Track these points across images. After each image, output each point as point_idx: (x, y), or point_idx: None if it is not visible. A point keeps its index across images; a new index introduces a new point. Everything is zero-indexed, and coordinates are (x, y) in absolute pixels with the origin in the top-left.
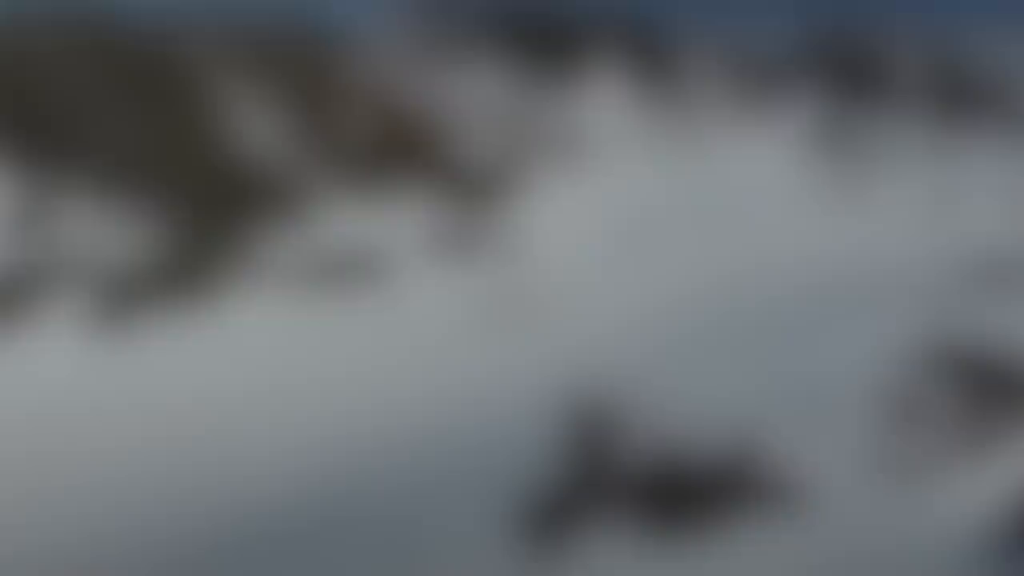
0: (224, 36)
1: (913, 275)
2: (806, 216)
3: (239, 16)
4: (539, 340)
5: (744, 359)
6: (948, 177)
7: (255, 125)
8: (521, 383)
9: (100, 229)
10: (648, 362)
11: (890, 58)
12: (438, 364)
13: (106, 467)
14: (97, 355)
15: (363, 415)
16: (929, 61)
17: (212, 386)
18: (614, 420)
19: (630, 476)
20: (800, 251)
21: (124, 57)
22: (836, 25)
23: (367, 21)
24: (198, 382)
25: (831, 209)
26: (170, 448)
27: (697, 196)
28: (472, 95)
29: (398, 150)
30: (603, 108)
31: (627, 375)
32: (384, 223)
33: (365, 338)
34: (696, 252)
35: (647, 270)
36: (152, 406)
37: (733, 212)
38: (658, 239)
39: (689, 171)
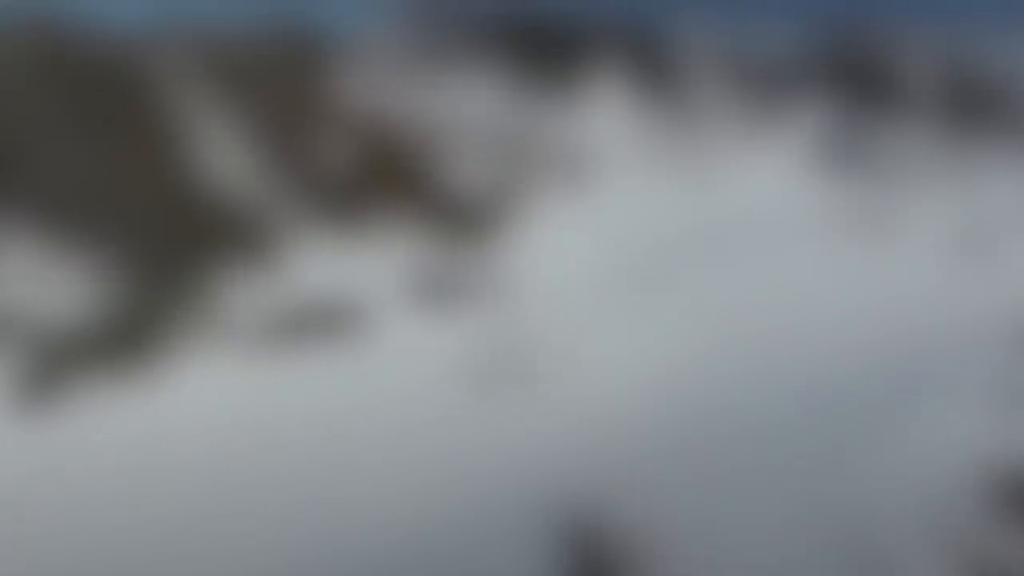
0: (192, 47)
1: (949, 345)
2: (821, 260)
3: (211, 24)
4: (532, 412)
5: (758, 478)
6: (971, 204)
7: (222, 151)
8: (507, 467)
9: (37, 277)
10: (646, 453)
11: (902, 65)
12: (418, 435)
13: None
14: (18, 430)
15: (329, 500)
16: (942, 67)
17: (154, 464)
18: (613, 540)
19: None
20: (818, 307)
21: (73, 71)
22: (845, 29)
23: (359, 27)
24: (138, 459)
25: (848, 247)
26: (86, 540)
27: (704, 231)
28: (466, 109)
29: (381, 177)
30: (605, 122)
31: (627, 472)
32: (362, 265)
33: (337, 404)
34: (704, 302)
35: (650, 326)
36: (75, 491)
37: (742, 249)
38: (662, 284)
39: (695, 201)
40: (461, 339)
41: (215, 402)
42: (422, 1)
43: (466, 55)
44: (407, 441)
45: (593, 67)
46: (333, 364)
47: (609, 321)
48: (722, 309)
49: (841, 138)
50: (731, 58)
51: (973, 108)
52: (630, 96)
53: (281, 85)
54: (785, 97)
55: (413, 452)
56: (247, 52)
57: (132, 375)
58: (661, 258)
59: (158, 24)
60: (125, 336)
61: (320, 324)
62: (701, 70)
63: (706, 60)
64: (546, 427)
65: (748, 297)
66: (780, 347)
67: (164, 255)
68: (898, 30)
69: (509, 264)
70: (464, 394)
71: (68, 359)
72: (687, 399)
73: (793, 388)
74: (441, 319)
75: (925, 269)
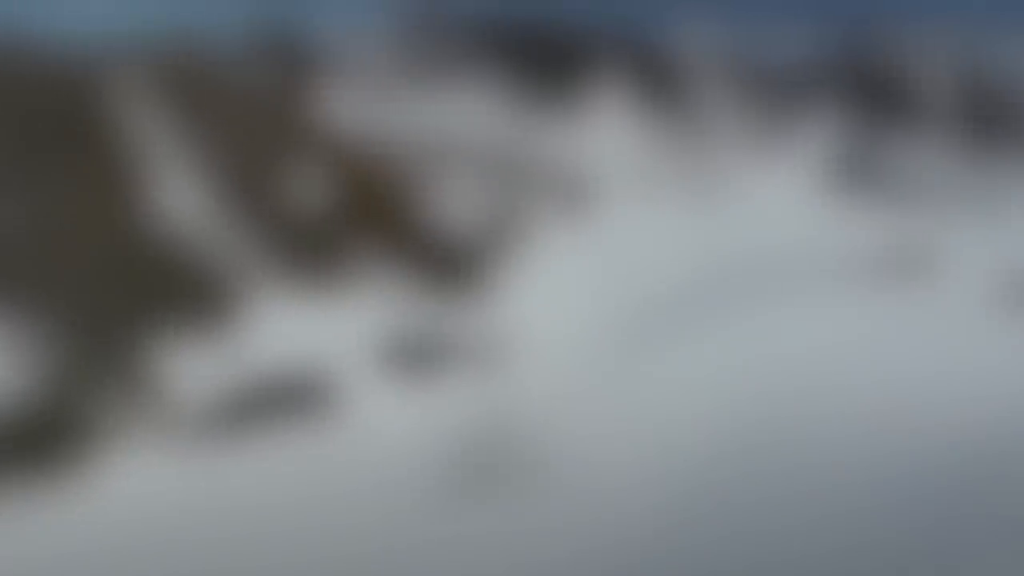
0: (153, 63)
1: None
2: (848, 310)
3: (180, 34)
4: (526, 510)
5: None
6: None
7: (177, 191)
8: None
9: None
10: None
11: (918, 72)
12: (392, 538)
13: None
14: None
15: None
16: (959, 74)
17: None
18: None
19: None
20: (848, 372)
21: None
22: (857, 34)
23: (345, 35)
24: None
25: (877, 294)
26: None
27: (716, 276)
28: (459, 129)
29: (362, 215)
30: (608, 143)
31: None
32: (334, 327)
33: (301, 499)
34: (719, 366)
35: (661, 397)
36: None
37: (760, 298)
38: (672, 342)
39: (706, 240)
40: (445, 417)
41: (155, 503)
42: (413, 8)
43: (460, 66)
44: (380, 545)
45: (595, 78)
46: (296, 452)
47: (614, 392)
48: (738, 375)
49: (857, 157)
50: (739, 67)
51: (993, 120)
52: (634, 112)
53: (252, 107)
54: (797, 109)
55: (387, 559)
56: (214, 68)
57: (57, 474)
58: (670, 310)
59: (113, 37)
60: (50, 426)
61: (282, 402)
62: (708, 80)
63: (713, 70)
64: (543, 529)
65: (767, 361)
66: (810, 423)
67: (101, 322)
68: (912, 34)
69: (501, 321)
70: (447, 487)
71: None
72: (703, 493)
73: (824, 485)
74: (423, 392)
75: (963, 323)
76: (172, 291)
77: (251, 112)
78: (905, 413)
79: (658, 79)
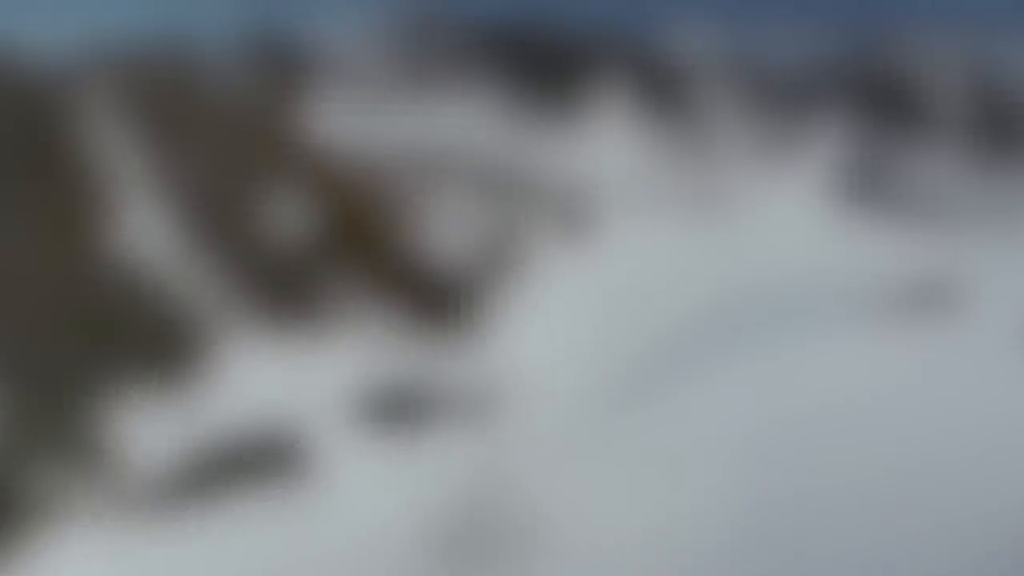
0: (121, 81)
1: None
2: (868, 350)
3: (164, 44)
4: None
5: None
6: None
7: (142, 225)
8: None
9: None
10: None
11: (927, 78)
12: None
13: None
14: None
15: None
16: (968, 80)
17: None
18: None
19: None
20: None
21: None
22: (864, 39)
23: (340, 43)
24: None
25: (898, 329)
26: None
27: (725, 310)
28: (454, 145)
29: (343, 245)
30: (609, 157)
31: None
32: (311, 377)
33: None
34: (730, 415)
35: (661, 454)
36: None
37: (771, 336)
38: (680, 387)
39: (713, 268)
40: (431, 482)
41: None
42: (409, 14)
43: (456, 74)
44: None
45: (596, 85)
46: (266, 525)
47: (614, 452)
48: (749, 433)
49: (868, 169)
50: (745, 74)
51: (1007, 126)
52: (637, 121)
53: (233, 124)
54: (804, 117)
55: None
56: (195, 79)
57: None
58: (674, 355)
59: (89, 46)
60: None
61: (251, 467)
62: (713, 87)
63: (718, 76)
64: None
65: (780, 417)
66: (822, 497)
67: (49, 377)
68: (922, 38)
69: (494, 367)
70: (432, 562)
71: None
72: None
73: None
74: (406, 453)
75: (995, 364)
76: (131, 340)
77: (231, 129)
78: (938, 484)
79: (661, 86)
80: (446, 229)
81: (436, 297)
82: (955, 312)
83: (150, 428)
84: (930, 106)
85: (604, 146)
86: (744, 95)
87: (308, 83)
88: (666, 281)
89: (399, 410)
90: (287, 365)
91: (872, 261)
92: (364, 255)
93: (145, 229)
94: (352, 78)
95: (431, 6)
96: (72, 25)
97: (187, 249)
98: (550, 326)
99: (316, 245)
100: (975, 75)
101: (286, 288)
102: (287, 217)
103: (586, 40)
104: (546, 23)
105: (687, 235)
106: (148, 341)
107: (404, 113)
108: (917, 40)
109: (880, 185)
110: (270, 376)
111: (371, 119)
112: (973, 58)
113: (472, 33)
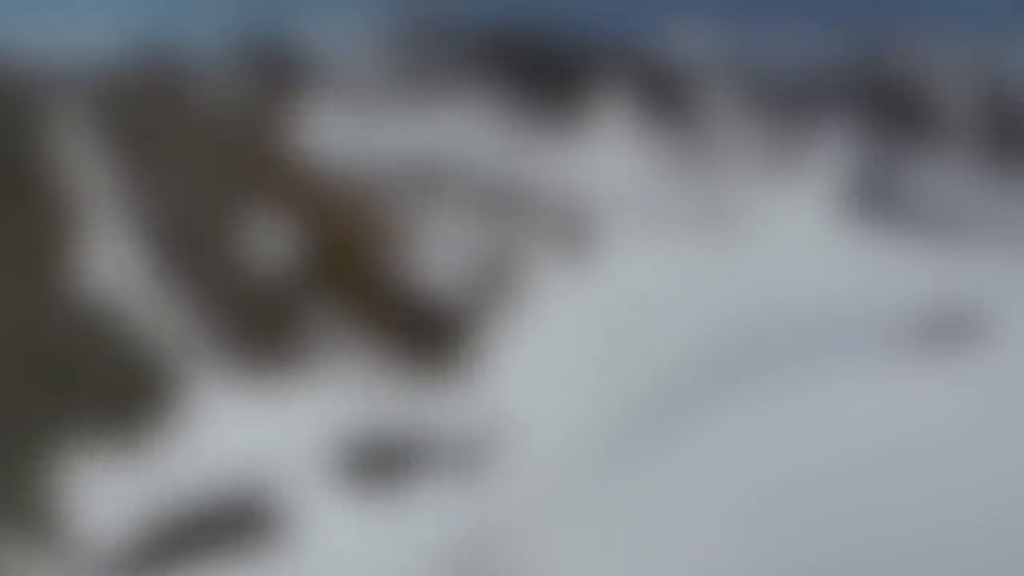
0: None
1: None
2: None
3: (151, 52)
4: None
5: None
6: None
7: (107, 257)
8: None
9: None
10: None
11: (936, 84)
12: None
13: None
14: None
15: None
16: (979, 86)
17: None
18: None
19: None
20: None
21: None
22: (872, 44)
23: (336, 49)
24: None
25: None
26: None
27: (735, 344)
28: (449, 156)
29: (327, 275)
30: (611, 168)
31: None
32: (288, 428)
33: None
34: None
35: (666, 507)
36: None
37: (784, 372)
38: (679, 429)
39: (722, 296)
40: (418, 542)
41: None
42: (405, 22)
43: (453, 82)
44: None
45: (598, 95)
46: None
47: (616, 505)
48: (760, 483)
49: (878, 184)
50: (750, 82)
51: (1016, 133)
52: (639, 133)
53: (215, 139)
54: (812, 126)
55: None
56: (179, 91)
57: None
58: (680, 394)
59: (67, 59)
60: None
61: (222, 530)
62: (717, 96)
63: (722, 85)
64: None
65: (793, 469)
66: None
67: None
68: (931, 43)
69: (487, 411)
70: None
71: None
72: None
73: None
74: (391, 509)
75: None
76: (91, 388)
77: (215, 145)
78: (972, 556)
79: (664, 94)
80: (440, 254)
81: (428, 330)
82: (979, 341)
83: (111, 490)
84: (939, 112)
85: (605, 156)
86: (749, 102)
87: (300, 92)
88: (671, 310)
89: (384, 462)
90: (263, 413)
91: (888, 286)
92: (351, 284)
93: (113, 258)
94: (346, 87)
95: (427, 13)
96: (45, 31)
97: (159, 281)
98: (548, 363)
99: (300, 274)
100: (984, 80)
101: (265, 324)
102: (270, 243)
103: (587, 46)
104: (545, 29)
105: (692, 258)
106: (110, 389)
107: (399, 124)
108: (924, 44)
109: (890, 196)
110: (244, 427)
111: (365, 130)
112: (981, 62)
113: (469, 40)
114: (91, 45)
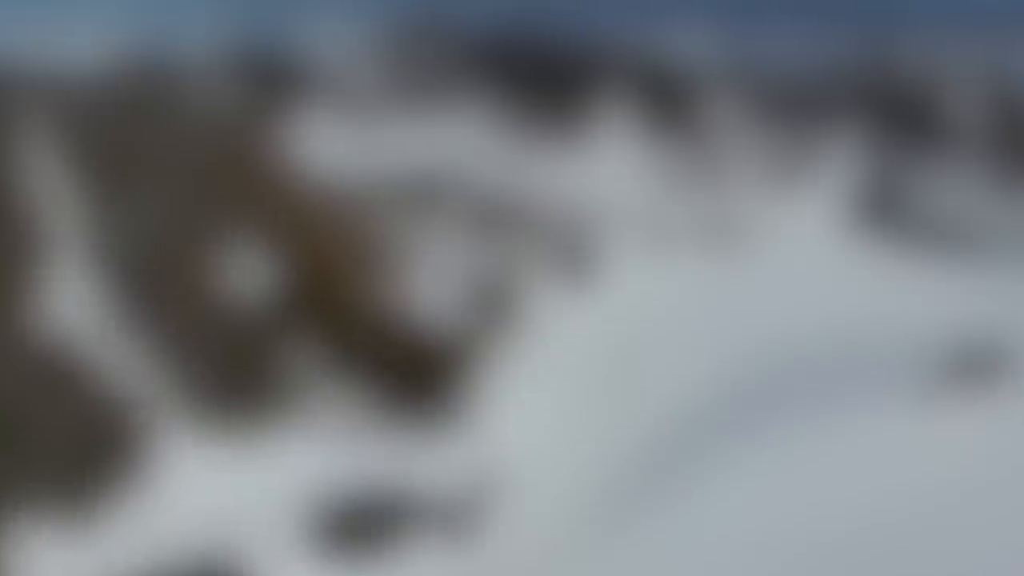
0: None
1: None
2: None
3: (138, 56)
4: None
5: None
6: None
7: (67, 294)
8: None
9: None
10: None
11: (943, 93)
12: None
13: None
14: None
15: None
16: (987, 94)
17: None
18: None
19: None
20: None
21: None
22: (879, 51)
23: (329, 56)
24: None
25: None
26: None
27: (738, 377)
28: (444, 170)
29: (308, 305)
30: (613, 182)
31: None
32: (263, 486)
33: None
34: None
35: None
36: None
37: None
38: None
39: (727, 322)
40: None
41: None
42: (401, 30)
43: (450, 91)
44: None
45: (599, 102)
46: None
47: (620, 569)
48: (779, 537)
49: (887, 192)
50: (755, 90)
51: None
52: (641, 142)
53: (196, 153)
54: (817, 132)
55: None
56: (160, 103)
57: None
58: (690, 436)
59: (33, 67)
60: None
61: None
62: (721, 106)
63: (727, 94)
64: None
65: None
66: None
67: None
68: (938, 48)
69: (481, 460)
70: None
71: None
72: None
73: None
74: None
75: None
76: (44, 445)
77: (191, 164)
78: None
79: (667, 102)
80: (432, 281)
81: (418, 369)
82: (1007, 377)
83: (66, 557)
84: (948, 119)
85: (607, 167)
86: (754, 109)
87: (291, 102)
88: (678, 341)
89: (367, 522)
90: (236, 470)
91: (907, 311)
92: (335, 318)
93: (74, 294)
94: (338, 95)
95: (422, 18)
96: (16, 37)
97: (124, 320)
98: (547, 405)
99: (280, 308)
100: (993, 85)
101: (240, 367)
102: (249, 272)
103: (587, 53)
104: (544, 35)
105: (700, 281)
106: (67, 444)
107: (393, 134)
108: (932, 49)
109: (900, 206)
110: (214, 486)
111: (357, 141)
112: (990, 67)
113: (466, 47)
114: (62, 54)
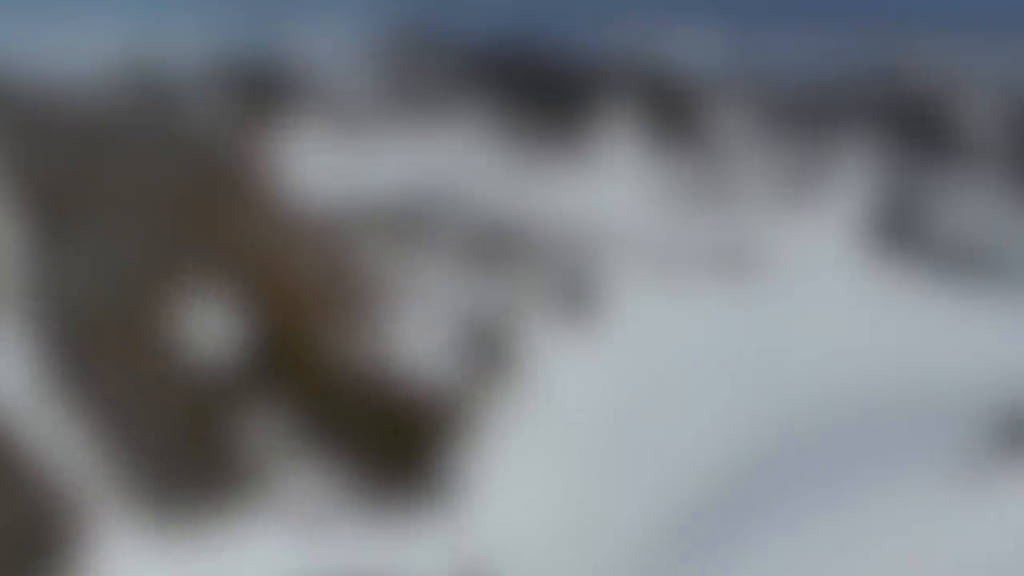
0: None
1: None
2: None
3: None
4: None
5: None
6: None
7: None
8: None
9: None
10: None
11: (958, 102)
12: None
13: None
14: None
15: None
16: (1004, 104)
17: None
18: None
19: None
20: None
21: None
22: (891, 59)
23: (320, 67)
24: None
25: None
26: None
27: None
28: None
29: (276, 366)
30: (615, 199)
31: None
32: None
33: None
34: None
35: None
36: None
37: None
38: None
39: (742, 383)
40: None
41: None
42: (395, 41)
43: (446, 103)
44: None
45: (602, 115)
46: None
47: None
48: None
49: (902, 211)
50: (764, 103)
51: None
52: (645, 158)
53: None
54: (828, 145)
55: None
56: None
57: None
58: (705, 515)
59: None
60: None
61: None
62: (728, 117)
63: (734, 103)
64: None
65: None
66: None
67: None
68: (952, 57)
69: (472, 550)
70: None
71: None
72: None
73: None
74: None
75: None
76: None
77: (159, 189)
78: None
79: (674, 116)
80: (420, 329)
81: (401, 439)
82: None
83: None
84: (963, 129)
85: (611, 184)
86: (763, 121)
87: (278, 118)
88: (691, 398)
89: None
90: (190, 568)
91: (944, 360)
92: (308, 378)
93: (6, 363)
94: (327, 110)
95: (418, 27)
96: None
97: (63, 389)
98: (546, 481)
99: (244, 368)
100: (1009, 93)
101: (196, 443)
102: (209, 326)
103: (590, 63)
104: (545, 43)
105: (712, 324)
106: None
107: (385, 150)
108: (946, 58)
109: (919, 228)
110: None
111: (344, 160)
112: (1006, 74)
113: (463, 57)
114: (33, 68)
